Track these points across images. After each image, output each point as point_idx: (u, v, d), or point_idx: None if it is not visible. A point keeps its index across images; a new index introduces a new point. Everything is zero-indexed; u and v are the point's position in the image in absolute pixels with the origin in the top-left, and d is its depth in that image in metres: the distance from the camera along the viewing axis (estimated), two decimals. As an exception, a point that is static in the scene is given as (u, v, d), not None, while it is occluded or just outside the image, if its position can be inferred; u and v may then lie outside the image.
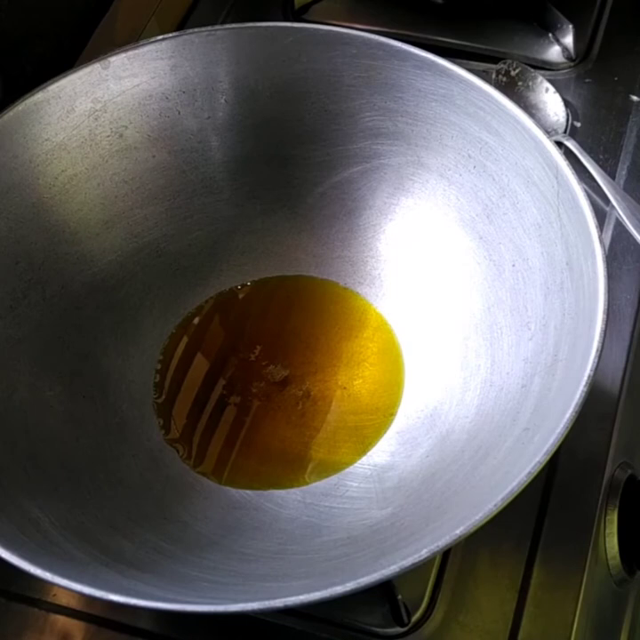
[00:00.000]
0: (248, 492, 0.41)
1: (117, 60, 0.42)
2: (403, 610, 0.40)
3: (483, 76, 0.41)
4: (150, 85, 0.43)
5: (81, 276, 0.44)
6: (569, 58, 0.58)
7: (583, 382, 0.32)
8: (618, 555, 0.43)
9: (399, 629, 0.40)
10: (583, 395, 0.32)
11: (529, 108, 0.54)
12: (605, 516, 0.43)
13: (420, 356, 0.45)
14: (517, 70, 0.56)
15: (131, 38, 0.57)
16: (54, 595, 0.42)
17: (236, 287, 0.48)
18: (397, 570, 0.29)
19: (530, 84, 0.55)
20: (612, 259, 0.49)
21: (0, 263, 0.41)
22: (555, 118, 0.54)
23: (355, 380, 0.45)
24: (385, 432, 0.43)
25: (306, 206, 0.47)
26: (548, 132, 0.53)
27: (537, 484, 0.43)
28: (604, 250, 0.35)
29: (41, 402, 0.41)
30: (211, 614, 0.29)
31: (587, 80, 0.57)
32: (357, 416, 0.44)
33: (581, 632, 0.40)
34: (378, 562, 0.31)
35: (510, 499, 0.30)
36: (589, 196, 0.38)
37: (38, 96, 0.41)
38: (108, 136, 0.44)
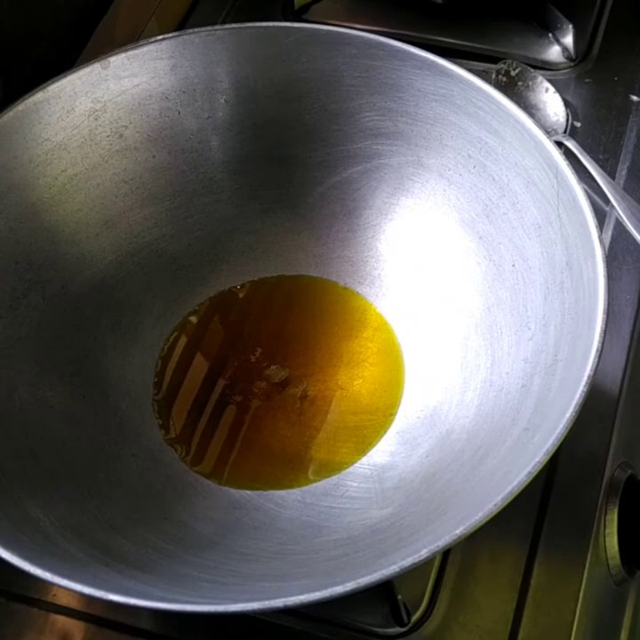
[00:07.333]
0: (248, 492, 0.41)
1: (117, 60, 0.42)
2: (403, 610, 0.40)
3: (483, 76, 0.41)
4: (150, 85, 0.43)
5: (81, 276, 0.44)
6: (569, 58, 0.58)
7: (583, 382, 0.32)
8: (618, 554, 0.43)
9: (399, 629, 0.40)
10: (583, 395, 0.32)
11: (529, 108, 0.54)
12: (605, 516, 0.43)
13: (419, 356, 0.45)
14: (517, 70, 0.56)
15: (131, 38, 0.57)
16: (54, 595, 0.42)
17: (236, 287, 0.48)
18: (397, 570, 0.29)
19: (530, 83, 0.55)
20: (612, 259, 0.49)
21: (0, 263, 0.41)
22: (555, 118, 0.54)
23: (355, 380, 0.45)
24: (385, 432, 0.43)
25: (306, 206, 0.47)
26: (548, 131, 0.53)
27: (537, 484, 0.43)
28: (604, 250, 0.35)
29: (41, 402, 0.41)
30: (211, 614, 0.29)
31: (587, 80, 0.57)
32: (357, 416, 0.44)
33: (581, 632, 0.40)
34: (378, 562, 0.31)
35: (510, 499, 0.30)
36: (589, 196, 0.38)
37: (38, 96, 0.41)
38: (108, 136, 0.44)
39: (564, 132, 0.54)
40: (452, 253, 0.44)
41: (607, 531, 0.43)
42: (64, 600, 0.42)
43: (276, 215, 0.48)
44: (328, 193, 0.47)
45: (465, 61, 0.57)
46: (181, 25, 0.61)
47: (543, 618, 0.40)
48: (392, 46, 0.42)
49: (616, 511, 0.43)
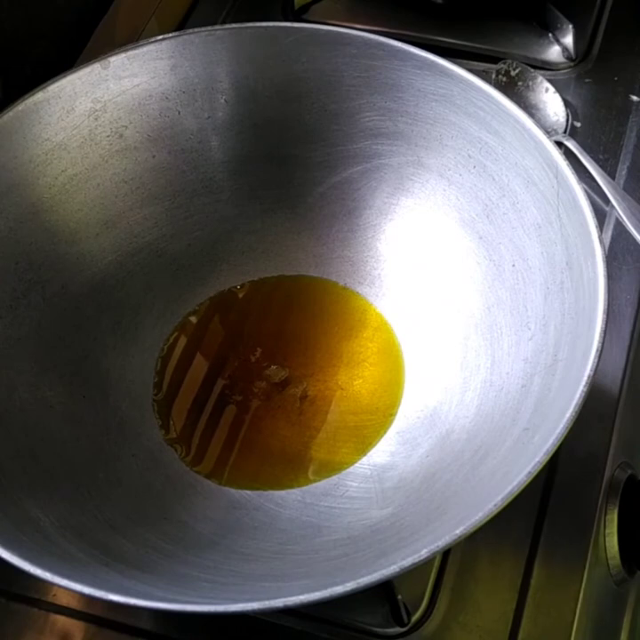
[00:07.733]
0: (248, 492, 0.41)
1: (117, 60, 0.42)
2: (403, 610, 0.40)
3: (483, 76, 0.41)
4: (150, 85, 0.43)
5: (81, 276, 0.44)
6: (569, 58, 0.58)
7: (583, 382, 0.32)
8: (618, 554, 0.43)
9: (399, 629, 0.40)
10: (583, 395, 0.32)
11: (529, 108, 0.54)
12: (605, 516, 0.43)
13: (419, 356, 0.45)
14: (517, 70, 0.56)
15: (131, 38, 0.57)
16: (54, 595, 0.42)
17: (236, 287, 0.48)
18: (397, 570, 0.29)
19: (530, 83, 0.55)
20: (612, 259, 0.49)
21: (0, 263, 0.41)
22: (555, 118, 0.54)
23: (355, 380, 0.45)
24: (385, 432, 0.43)
25: (306, 206, 0.47)
26: (548, 131, 0.53)
27: (537, 484, 0.43)
28: (604, 250, 0.35)
29: (41, 402, 0.41)
30: (211, 614, 0.29)
31: (587, 80, 0.57)
32: (357, 416, 0.44)
33: (581, 632, 0.40)
34: (378, 562, 0.31)
35: (510, 499, 0.30)
36: (589, 196, 0.38)
37: (38, 96, 0.41)
38: (108, 136, 0.44)
39: (564, 131, 0.54)
40: (452, 253, 0.44)
41: (607, 531, 0.43)
42: (64, 600, 0.42)
43: (276, 215, 0.48)
44: (328, 193, 0.47)
45: (465, 61, 0.57)
46: (181, 25, 0.61)
47: (543, 618, 0.40)
48: (392, 46, 0.42)
49: (616, 511, 0.43)
